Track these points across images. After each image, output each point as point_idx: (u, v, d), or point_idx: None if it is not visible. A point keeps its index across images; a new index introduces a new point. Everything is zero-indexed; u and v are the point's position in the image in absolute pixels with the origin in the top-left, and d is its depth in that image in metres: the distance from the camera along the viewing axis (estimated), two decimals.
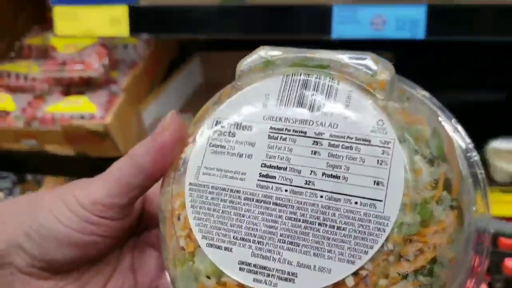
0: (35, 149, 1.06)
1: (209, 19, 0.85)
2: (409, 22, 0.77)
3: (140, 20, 0.87)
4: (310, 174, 0.25)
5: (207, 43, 1.35)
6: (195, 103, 1.36)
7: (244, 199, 0.26)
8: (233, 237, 0.25)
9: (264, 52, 0.29)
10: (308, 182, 0.25)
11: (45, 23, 1.31)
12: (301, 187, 0.25)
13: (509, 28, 0.75)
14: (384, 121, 0.25)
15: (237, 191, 0.26)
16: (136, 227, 0.33)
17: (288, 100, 0.27)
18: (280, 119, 0.26)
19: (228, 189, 0.26)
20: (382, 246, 0.23)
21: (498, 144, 0.92)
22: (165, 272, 0.30)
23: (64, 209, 0.29)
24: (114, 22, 0.86)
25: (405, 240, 0.23)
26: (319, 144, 0.25)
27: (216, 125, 0.28)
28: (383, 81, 0.26)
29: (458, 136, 0.29)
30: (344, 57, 0.27)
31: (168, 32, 0.87)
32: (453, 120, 0.29)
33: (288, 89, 0.27)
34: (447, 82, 1.29)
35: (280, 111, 0.27)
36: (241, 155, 0.27)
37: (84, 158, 1.05)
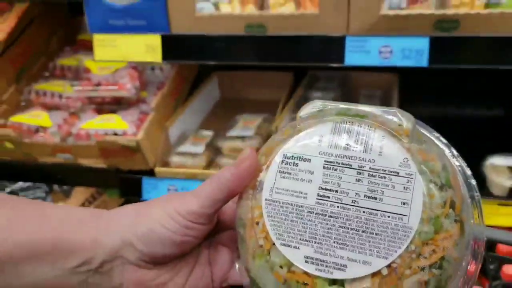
0: (69, 162, 1.16)
1: (234, 47, 0.94)
2: (414, 52, 0.86)
3: (172, 47, 0.96)
4: (355, 195, 0.35)
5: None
6: (213, 118, 1.46)
7: (307, 212, 0.36)
8: (300, 239, 0.35)
9: (318, 104, 0.39)
10: (354, 201, 0.35)
11: (75, 44, 1.42)
12: (349, 204, 0.35)
13: (503, 56, 0.84)
14: (408, 159, 0.35)
15: (301, 206, 0.36)
16: (213, 230, 0.42)
17: (337, 140, 0.36)
18: (332, 154, 0.36)
19: (294, 204, 0.36)
20: (407, 247, 0.33)
21: (495, 161, 1.01)
22: (234, 265, 0.40)
23: (167, 218, 0.38)
24: (149, 49, 0.96)
25: (423, 243, 0.33)
26: (361, 174, 0.35)
27: (283, 157, 0.37)
28: (407, 129, 0.36)
29: (460, 166, 0.38)
30: (377, 110, 0.37)
31: (197, 58, 0.97)
32: (456, 154, 0.38)
33: (337, 132, 0.36)
34: (448, 101, 1.38)
35: (331, 148, 0.36)
36: (303, 180, 0.36)
37: (113, 171, 1.14)
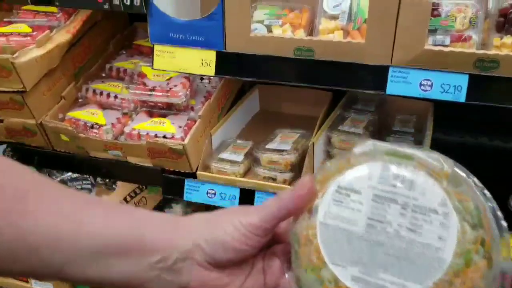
0: (118, 159, 1.25)
1: (282, 68, 1.01)
2: (453, 87, 0.91)
3: (224, 63, 1.04)
4: (398, 227, 0.41)
5: None
6: (252, 129, 1.54)
7: (355, 238, 0.42)
8: (348, 260, 0.41)
9: (370, 143, 0.45)
10: (397, 232, 0.41)
11: (131, 48, 1.52)
12: (392, 234, 0.41)
13: None
14: (446, 199, 0.41)
15: (351, 232, 0.42)
16: (269, 242, 0.49)
17: (386, 178, 0.43)
18: (380, 189, 0.42)
19: (345, 229, 0.42)
20: (442, 276, 0.39)
21: None
22: (284, 274, 0.47)
23: (231, 227, 0.46)
24: (204, 63, 1.04)
25: (455, 275, 0.39)
26: (405, 209, 0.41)
27: (337, 187, 0.44)
28: (447, 173, 0.42)
29: (492, 207, 0.44)
30: (421, 153, 0.43)
31: (247, 75, 1.04)
32: (490, 196, 0.44)
33: (386, 170, 0.43)
34: (480, 131, 1.41)
35: (380, 184, 0.42)
36: (353, 209, 0.43)
37: (158, 171, 1.22)
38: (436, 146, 1.35)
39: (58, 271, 0.46)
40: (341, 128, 1.28)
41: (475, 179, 0.45)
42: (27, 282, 1.58)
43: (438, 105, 1.39)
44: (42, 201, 0.46)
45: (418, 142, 1.30)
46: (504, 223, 0.43)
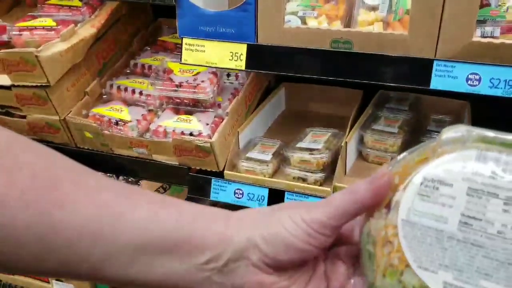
0: (143, 156, 1.21)
1: (318, 62, 0.96)
2: (503, 82, 0.85)
3: (256, 57, 0.99)
4: (502, 226, 0.35)
5: None
6: (280, 128, 1.49)
7: (447, 237, 0.36)
8: (438, 264, 0.35)
9: (463, 129, 0.39)
10: (500, 232, 0.35)
11: (156, 45, 1.48)
12: (494, 235, 0.35)
13: None
14: None
15: (441, 231, 0.36)
16: (333, 243, 0.43)
17: (483, 168, 0.37)
18: (476, 182, 0.36)
19: (433, 228, 0.37)
20: None
21: None
22: (351, 280, 0.41)
23: (292, 224, 0.40)
24: (234, 57, 1.00)
25: None
26: (509, 204, 0.35)
27: (423, 179, 0.38)
28: None
29: None
30: None
31: (279, 69, 0.99)
32: None
33: (483, 160, 0.37)
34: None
35: (476, 176, 0.37)
36: (443, 205, 0.37)
37: (184, 169, 1.18)
38: None
39: (97, 268, 0.41)
40: (374, 127, 1.23)
41: None
42: (48, 282, 1.55)
43: (474, 104, 1.33)
44: (79, 190, 0.41)
45: None
46: None
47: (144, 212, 0.42)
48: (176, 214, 0.42)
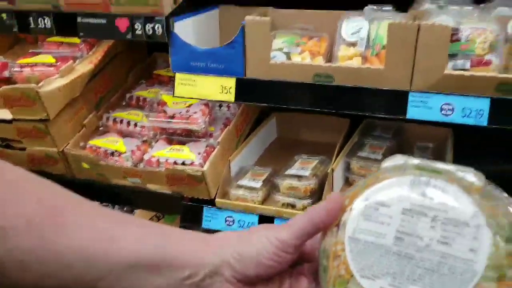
0: (137, 186, 1.26)
1: (301, 94, 1.02)
2: (475, 111, 0.91)
3: (244, 90, 1.05)
4: (429, 240, 0.40)
5: None
6: (270, 156, 1.54)
7: (384, 250, 0.42)
8: (377, 273, 0.41)
9: (400, 158, 0.45)
10: (427, 245, 0.41)
11: (151, 78, 1.55)
12: (422, 247, 0.41)
13: None
14: (478, 212, 0.40)
15: (380, 245, 0.42)
16: (296, 260, 0.49)
17: (415, 192, 0.42)
18: (410, 203, 0.42)
19: (374, 243, 0.42)
20: None
21: None
22: None
23: (259, 244, 0.46)
24: (224, 90, 1.06)
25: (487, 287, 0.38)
26: (435, 222, 0.41)
27: (366, 202, 0.44)
28: (479, 187, 0.42)
29: None
30: (452, 168, 0.43)
31: (266, 101, 1.05)
32: None
33: (416, 184, 0.42)
34: (502, 158, 1.39)
35: (410, 198, 0.42)
36: (382, 223, 0.42)
37: (177, 198, 1.23)
38: None
39: (92, 286, 0.46)
40: (360, 154, 1.28)
41: (509, 197, 0.44)
42: None
43: (457, 131, 1.38)
44: (78, 217, 0.47)
45: None
46: None
47: (133, 237, 0.48)
48: (160, 238, 0.48)
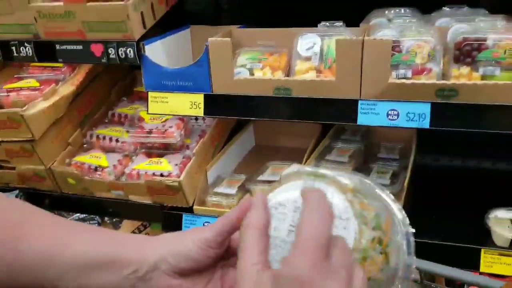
0: (121, 198, 1.34)
1: (264, 106, 1.11)
2: (417, 116, 1.00)
3: (212, 104, 1.15)
4: None
5: None
6: (248, 163, 1.63)
7: (279, 241, 0.50)
8: (274, 259, 0.49)
9: (295, 167, 0.54)
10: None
11: (132, 95, 1.64)
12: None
13: (497, 121, 0.96)
14: (348, 208, 0.49)
15: (276, 237, 0.50)
16: (225, 255, 0.58)
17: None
18: (300, 202, 0.50)
19: (272, 236, 0.50)
20: None
21: (498, 213, 1.10)
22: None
23: (191, 242, 0.55)
24: (194, 105, 1.15)
25: None
26: None
27: (269, 202, 0.52)
28: (351, 187, 0.51)
29: (400, 213, 0.52)
30: (332, 173, 0.52)
31: (232, 114, 1.14)
32: (400, 208, 0.52)
33: (305, 186, 0.51)
34: (464, 155, 1.48)
35: (299, 198, 0.51)
36: (279, 219, 0.51)
37: (158, 207, 1.31)
38: (420, 170, 1.43)
39: (54, 285, 0.56)
40: (327, 157, 1.37)
41: (389, 193, 0.53)
42: None
43: (422, 131, 1.47)
44: (36, 228, 0.58)
45: (403, 168, 1.37)
46: (410, 230, 0.51)
47: (84, 241, 0.58)
48: (108, 241, 0.58)
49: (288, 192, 0.52)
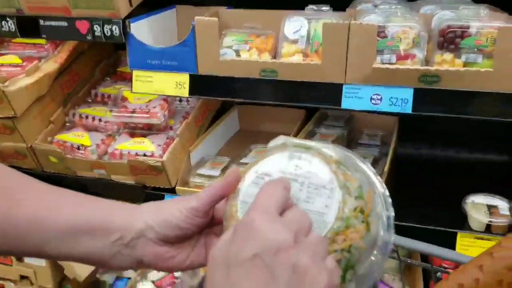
0: (103, 177, 1.34)
1: (250, 88, 1.11)
2: (400, 100, 1.01)
3: (197, 85, 1.14)
4: (297, 200, 0.50)
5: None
6: (232, 147, 1.63)
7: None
8: None
9: (282, 139, 0.55)
10: (296, 204, 0.50)
11: (116, 75, 1.62)
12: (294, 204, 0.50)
13: (477, 107, 0.98)
14: (333, 178, 0.50)
15: None
16: (209, 223, 0.59)
17: (291, 163, 0.52)
18: (286, 172, 0.52)
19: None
20: (325, 235, 0.48)
21: (475, 199, 1.13)
22: None
23: (176, 211, 0.56)
24: (178, 85, 1.14)
25: (336, 234, 0.48)
26: (302, 186, 0.50)
27: (255, 173, 0.53)
28: (335, 159, 0.52)
29: (381, 186, 0.53)
30: (319, 145, 0.53)
31: (218, 95, 1.14)
32: (381, 180, 0.54)
33: (291, 158, 0.52)
34: (445, 143, 1.51)
35: (287, 169, 0.52)
36: None
37: (140, 187, 1.31)
38: (401, 158, 1.45)
39: (39, 249, 0.57)
40: None
41: (371, 167, 0.55)
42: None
43: (404, 120, 1.50)
44: (29, 194, 0.59)
45: (384, 154, 1.39)
46: (389, 200, 0.53)
47: (73, 207, 0.58)
48: (96, 208, 0.59)
49: (274, 163, 0.53)
